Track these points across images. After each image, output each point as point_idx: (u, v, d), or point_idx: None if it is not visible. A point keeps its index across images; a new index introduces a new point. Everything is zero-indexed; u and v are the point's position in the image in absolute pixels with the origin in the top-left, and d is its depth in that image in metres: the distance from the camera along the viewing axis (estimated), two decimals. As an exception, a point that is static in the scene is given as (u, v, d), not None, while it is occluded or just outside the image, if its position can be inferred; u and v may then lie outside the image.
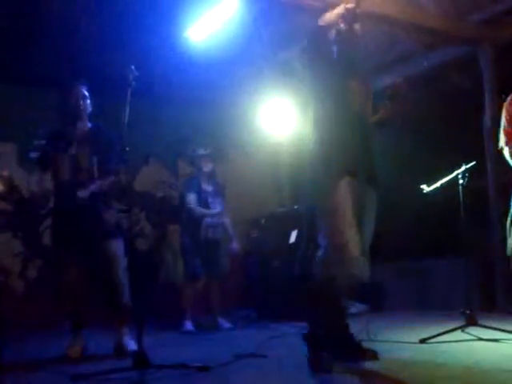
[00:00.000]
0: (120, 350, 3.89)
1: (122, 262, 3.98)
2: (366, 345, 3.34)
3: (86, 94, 4.14)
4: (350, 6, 3.28)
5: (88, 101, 4.14)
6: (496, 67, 5.86)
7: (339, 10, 3.31)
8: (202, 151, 5.79)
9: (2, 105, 6.50)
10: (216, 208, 5.68)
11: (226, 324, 5.57)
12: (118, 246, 3.99)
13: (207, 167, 5.76)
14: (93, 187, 3.94)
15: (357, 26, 3.31)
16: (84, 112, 4.13)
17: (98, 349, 4.03)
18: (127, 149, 3.39)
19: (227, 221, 5.85)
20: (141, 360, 2.99)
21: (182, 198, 5.80)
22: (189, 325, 5.44)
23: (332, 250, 3.15)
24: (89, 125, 4.17)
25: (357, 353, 3.25)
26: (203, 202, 5.65)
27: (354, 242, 3.14)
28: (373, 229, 3.41)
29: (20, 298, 6.51)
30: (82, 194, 3.89)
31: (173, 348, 4.35)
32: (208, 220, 5.62)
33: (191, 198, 5.60)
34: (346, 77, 3.30)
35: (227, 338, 4.92)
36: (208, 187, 5.75)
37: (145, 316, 3.29)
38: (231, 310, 6.28)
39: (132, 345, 3.81)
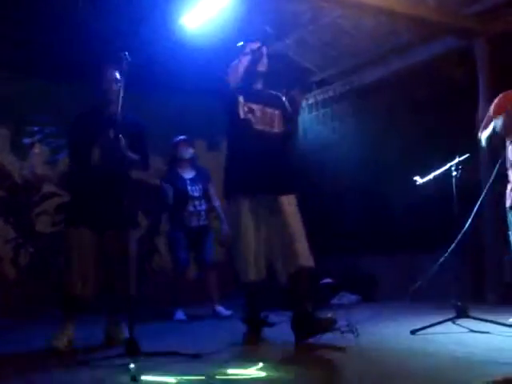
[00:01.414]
0: (113, 339, 3.81)
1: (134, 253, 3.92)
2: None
3: (119, 77, 3.83)
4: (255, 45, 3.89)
5: (120, 85, 3.79)
6: (491, 60, 5.86)
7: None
8: (180, 137, 5.78)
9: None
10: (194, 195, 5.65)
11: (224, 311, 5.55)
12: (134, 236, 3.93)
13: (187, 153, 5.76)
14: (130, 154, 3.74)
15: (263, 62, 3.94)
16: (116, 97, 3.75)
17: (85, 339, 3.86)
18: (120, 136, 3.38)
19: (217, 205, 5.76)
20: (132, 348, 2.99)
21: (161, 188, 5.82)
22: (180, 314, 5.45)
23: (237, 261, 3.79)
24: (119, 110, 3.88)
25: (318, 327, 3.49)
26: (181, 189, 5.62)
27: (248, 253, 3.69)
28: (301, 230, 3.76)
29: (12, 285, 6.49)
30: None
31: (165, 336, 4.35)
32: (190, 208, 5.61)
33: (166, 190, 5.65)
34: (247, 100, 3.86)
35: (220, 326, 4.93)
36: (188, 174, 5.73)
37: (137, 304, 3.28)
38: (226, 297, 6.27)
39: (126, 333, 3.61)
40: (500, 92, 4.00)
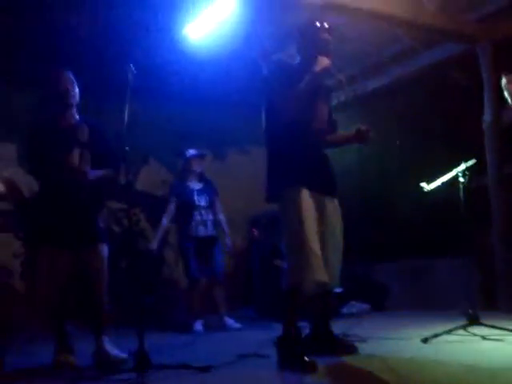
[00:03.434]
0: (102, 358, 3.56)
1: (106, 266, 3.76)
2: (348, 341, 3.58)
3: (74, 80, 3.73)
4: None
5: (77, 89, 3.73)
6: (495, 64, 5.85)
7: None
8: (194, 152, 5.85)
9: (2, 105, 6.49)
10: (201, 204, 5.72)
11: (234, 324, 5.55)
12: (106, 251, 3.75)
13: (198, 168, 5.88)
14: (95, 173, 3.65)
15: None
16: (74, 100, 3.72)
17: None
18: (127, 148, 3.37)
19: (221, 217, 5.89)
20: (142, 360, 2.98)
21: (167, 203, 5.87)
22: (198, 325, 5.45)
23: (293, 257, 3.23)
24: (77, 116, 3.78)
25: (337, 348, 3.39)
26: (187, 199, 5.71)
27: (315, 248, 3.19)
28: (341, 240, 3.49)
29: (21, 300, 6.49)
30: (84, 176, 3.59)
31: (175, 348, 4.34)
32: (196, 217, 5.68)
33: (169, 207, 5.73)
34: (312, 99, 3.41)
35: (230, 338, 4.90)
36: (195, 185, 5.84)
37: (146, 316, 3.27)
38: (233, 309, 6.27)
39: (114, 350, 3.58)
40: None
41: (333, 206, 3.47)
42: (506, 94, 4.86)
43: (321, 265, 3.18)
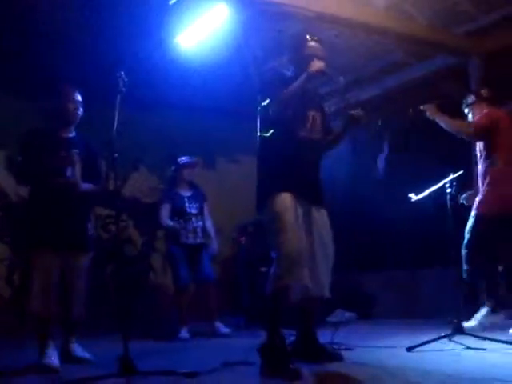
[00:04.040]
0: (68, 358, 3.81)
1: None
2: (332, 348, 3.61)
3: (81, 100, 3.97)
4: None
5: (81, 109, 3.97)
6: (485, 77, 5.92)
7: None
8: (186, 160, 5.85)
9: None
10: (192, 211, 5.73)
11: (223, 329, 5.56)
12: (88, 261, 3.95)
13: (189, 176, 5.88)
14: (86, 186, 3.85)
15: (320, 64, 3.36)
16: (76, 119, 3.96)
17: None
18: (116, 155, 3.38)
19: (209, 224, 5.89)
20: (127, 366, 2.97)
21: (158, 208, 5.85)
22: (184, 332, 5.44)
23: (278, 262, 3.21)
24: (74, 132, 4.00)
25: (322, 356, 3.39)
26: (179, 206, 5.71)
27: (300, 253, 3.21)
28: (331, 248, 3.51)
29: (7, 304, 6.46)
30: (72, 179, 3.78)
31: (161, 355, 4.33)
32: (188, 225, 5.69)
33: (163, 211, 5.69)
34: (305, 108, 3.45)
35: (217, 345, 4.90)
36: (186, 192, 5.83)
37: (132, 322, 3.27)
38: (220, 316, 6.27)
39: (81, 352, 3.83)
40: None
41: (320, 215, 3.48)
42: (466, 111, 4.90)
43: (304, 270, 3.20)
